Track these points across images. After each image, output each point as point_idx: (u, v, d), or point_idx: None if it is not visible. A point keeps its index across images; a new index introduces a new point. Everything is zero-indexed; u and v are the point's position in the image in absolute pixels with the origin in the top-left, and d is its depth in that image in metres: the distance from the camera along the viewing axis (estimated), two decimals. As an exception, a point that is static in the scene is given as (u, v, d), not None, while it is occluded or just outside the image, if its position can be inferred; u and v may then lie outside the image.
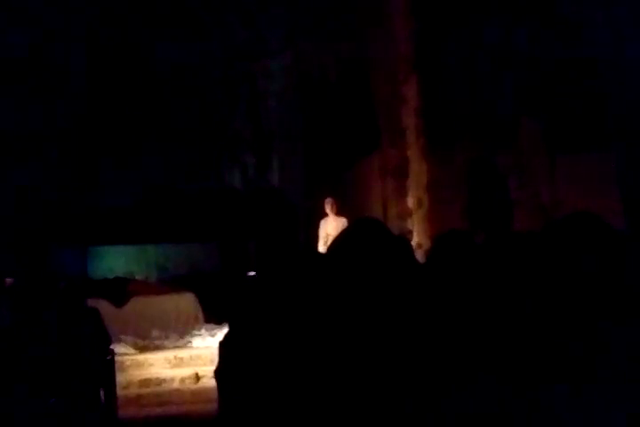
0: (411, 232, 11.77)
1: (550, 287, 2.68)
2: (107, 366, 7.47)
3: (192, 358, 10.74)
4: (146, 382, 10.12)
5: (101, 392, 7.22)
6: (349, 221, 10.97)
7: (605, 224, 2.81)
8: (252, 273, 11.62)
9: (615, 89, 11.65)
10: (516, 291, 2.75)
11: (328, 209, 11.91)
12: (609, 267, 2.66)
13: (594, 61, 11.63)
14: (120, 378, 8.78)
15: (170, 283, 13.75)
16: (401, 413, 2.56)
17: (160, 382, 10.19)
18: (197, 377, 10.17)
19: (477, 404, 2.55)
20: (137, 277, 14.09)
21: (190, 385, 10.12)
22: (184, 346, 11.54)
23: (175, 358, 10.80)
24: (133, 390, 9.81)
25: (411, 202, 11.95)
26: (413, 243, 11.06)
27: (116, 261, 15.12)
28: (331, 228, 11.58)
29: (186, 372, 10.34)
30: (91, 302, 8.17)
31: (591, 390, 2.50)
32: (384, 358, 2.60)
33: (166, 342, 11.63)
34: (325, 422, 2.58)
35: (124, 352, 10.55)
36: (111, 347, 7.86)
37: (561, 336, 2.58)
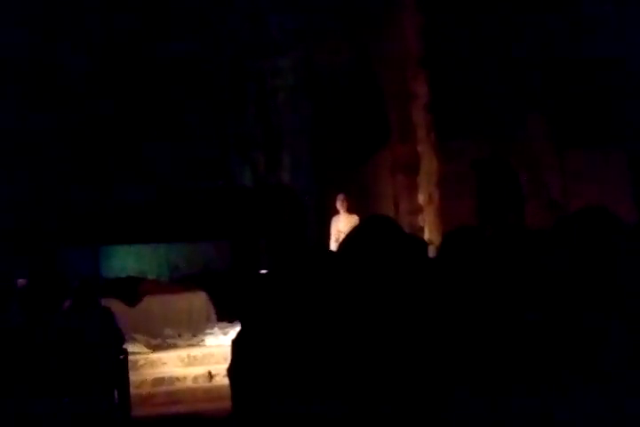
0: (422, 229, 11.75)
1: (557, 284, 2.67)
2: (120, 366, 7.50)
3: (205, 357, 10.75)
4: (159, 381, 10.14)
5: (115, 391, 7.25)
6: (361, 219, 10.96)
7: (617, 219, 2.79)
8: (264, 271, 11.60)
9: (624, 86, 11.62)
10: (524, 287, 2.74)
11: (340, 206, 11.86)
12: (617, 263, 2.65)
13: (602, 58, 11.62)
14: (133, 377, 8.81)
15: (182, 282, 13.76)
16: (409, 411, 2.55)
17: (173, 380, 10.21)
18: (210, 376, 10.18)
19: (480, 404, 2.55)
20: (149, 277, 14.11)
21: (203, 384, 10.13)
22: (197, 345, 11.53)
23: (188, 356, 10.81)
24: (146, 389, 9.83)
25: (421, 198, 11.94)
26: (425, 239, 11.04)
27: (127, 260, 15.13)
28: (342, 225, 11.55)
29: (199, 370, 10.35)
30: (103, 302, 8.19)
31: (591, 387, 2.49)
32: (395, 355, 2.60)
33: (179, 341, 11.64)
34: (337, 420, 2.58)
35: (136, 351, 10.56)
36: (124, 346, 7.89)
37: (565, 332, 2.57)
